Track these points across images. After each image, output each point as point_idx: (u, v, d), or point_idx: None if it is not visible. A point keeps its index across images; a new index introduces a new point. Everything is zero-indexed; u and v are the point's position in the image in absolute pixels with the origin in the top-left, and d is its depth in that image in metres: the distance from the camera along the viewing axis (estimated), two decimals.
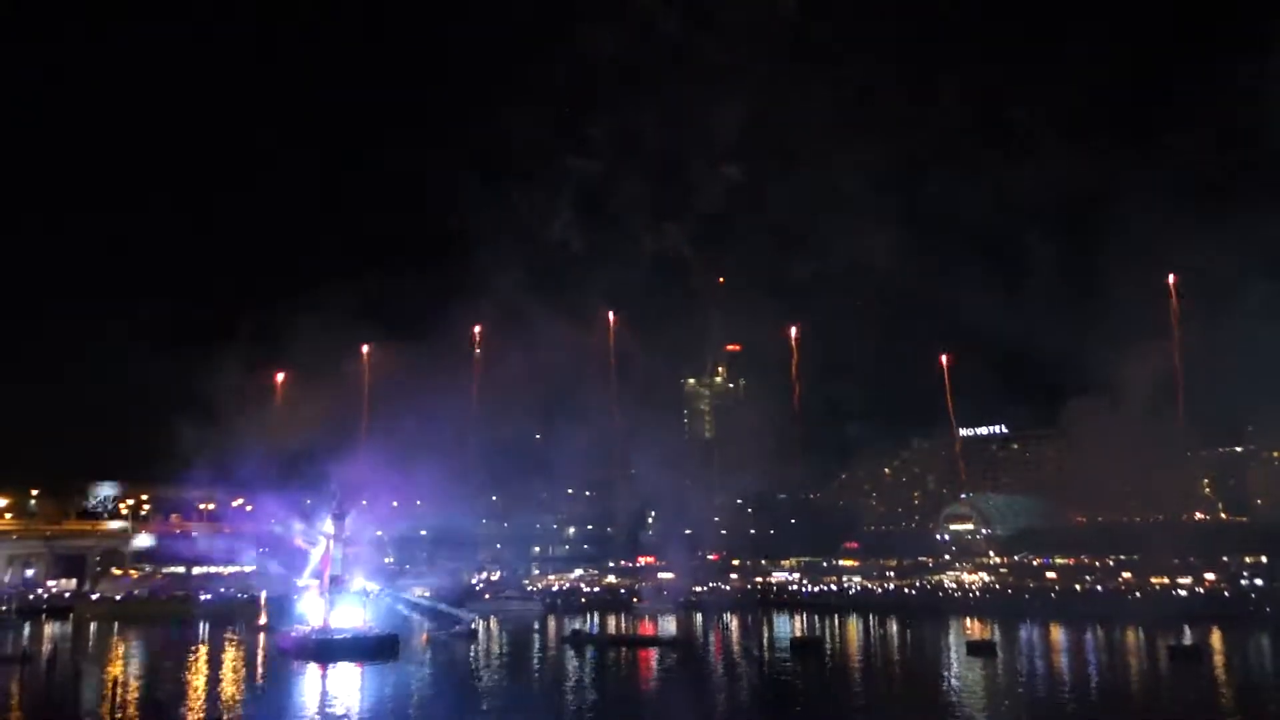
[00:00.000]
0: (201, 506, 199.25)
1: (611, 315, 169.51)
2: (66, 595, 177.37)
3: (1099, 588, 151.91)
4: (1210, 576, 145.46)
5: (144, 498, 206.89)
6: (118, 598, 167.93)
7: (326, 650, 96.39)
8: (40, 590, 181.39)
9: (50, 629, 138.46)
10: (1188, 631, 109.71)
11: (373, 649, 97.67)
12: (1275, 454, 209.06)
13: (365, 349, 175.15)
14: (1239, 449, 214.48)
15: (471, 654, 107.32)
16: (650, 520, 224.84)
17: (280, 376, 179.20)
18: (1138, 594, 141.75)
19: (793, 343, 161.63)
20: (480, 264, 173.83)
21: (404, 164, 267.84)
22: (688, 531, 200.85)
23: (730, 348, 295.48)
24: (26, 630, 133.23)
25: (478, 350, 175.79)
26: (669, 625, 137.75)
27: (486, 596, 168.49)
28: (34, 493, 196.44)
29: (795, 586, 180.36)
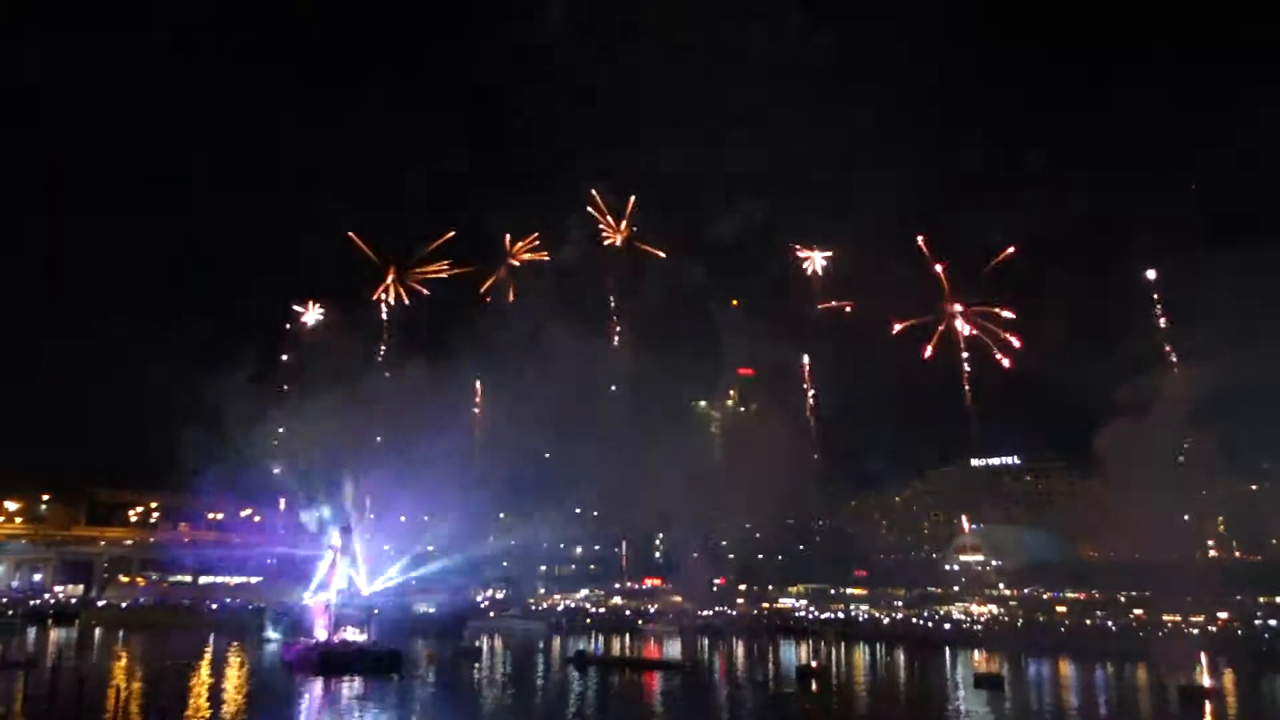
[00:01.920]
0: (210, 516, 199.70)
1: (621, 333, 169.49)
2: (73, 601, 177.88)
3: (1110, 624, 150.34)
4: (1223, 615, 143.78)
5: (153, 505, 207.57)
6: (124, 605, 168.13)
7: (330, 663, 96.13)
8: (47, 595, 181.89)
9: (55, 635, 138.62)
10: (1199, 671, 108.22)
11: (376, 663, 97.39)
12: None
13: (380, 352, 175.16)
14: (1254, 486, 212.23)
15: (475, 672, 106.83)
16: (658, 542, 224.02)
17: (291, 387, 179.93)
18: (1160, 631, 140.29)
19: (806, 370, 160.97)
20: (495, 281, 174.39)
21: (421, 182, 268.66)
22: (695, 554, 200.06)
23: (742, 371, 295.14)
24: (31, 635, 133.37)
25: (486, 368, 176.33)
26: (674, 649, 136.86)
27: (491, 614, 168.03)
28: (44, 498, 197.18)
29: (803, 613, 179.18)
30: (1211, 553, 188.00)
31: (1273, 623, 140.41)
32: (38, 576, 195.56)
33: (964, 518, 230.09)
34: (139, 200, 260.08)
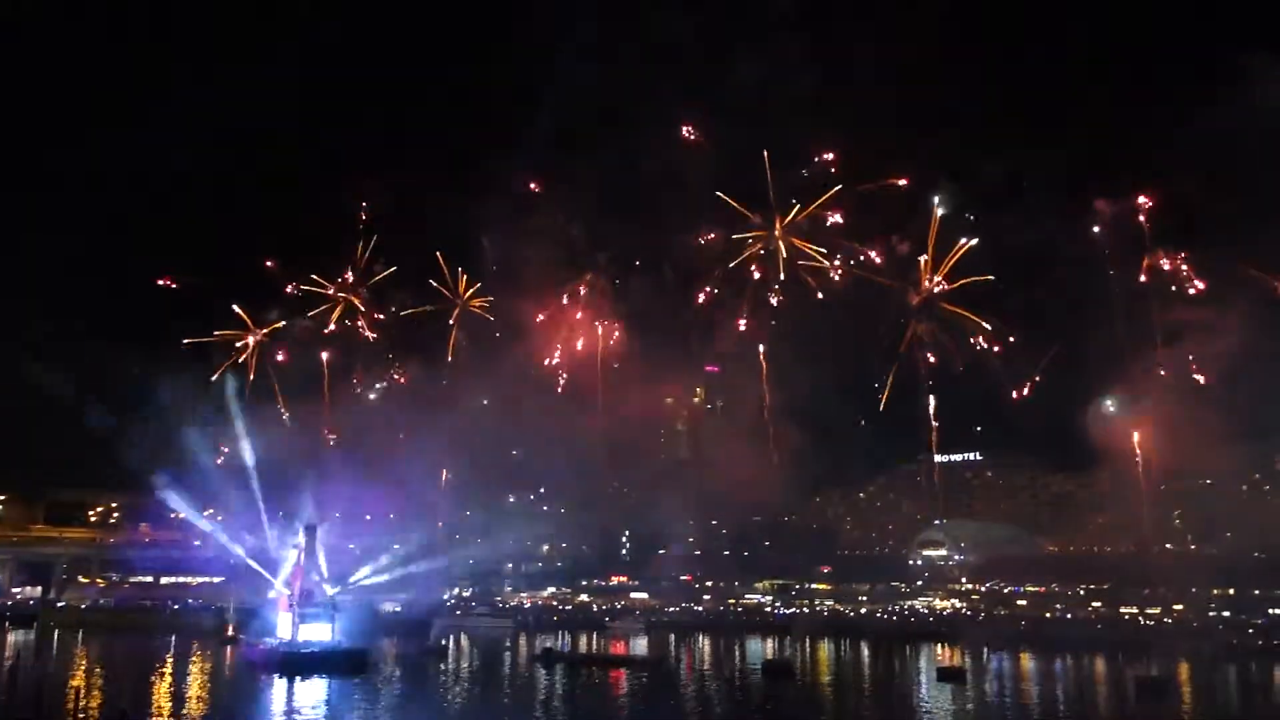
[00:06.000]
0: (172, 515, 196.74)
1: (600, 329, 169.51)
2: (31, 603, 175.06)
3: (1069, 616, 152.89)
4: (1179, 607, 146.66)
5: (114, 505, 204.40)
6: (83, 606, 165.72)
7: (294, 664, 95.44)
8: (4, 597, 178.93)
9: (13, 637, 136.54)
10: (1156, 662, 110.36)
11: (341, 663, 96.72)
12: (1244, 486, 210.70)
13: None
14: (1209, 480, 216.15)
15: (441, 671, 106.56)
16: (624, 539, 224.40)
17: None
18: (1117, 623, 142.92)
19: (762, 359, 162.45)
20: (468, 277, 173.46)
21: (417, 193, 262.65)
22: (662, 551, 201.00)
23: (709, 368, 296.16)
24: None
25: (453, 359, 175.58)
26: (641, 645, 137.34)
27: (458, 612, 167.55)
28: (1, 498, 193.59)
29: (769, 609, 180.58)
30: (1167, 545, 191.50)
31: (1227, 614, 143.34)
32: None
33: (927, 513, 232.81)
34: (96, 190, 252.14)
